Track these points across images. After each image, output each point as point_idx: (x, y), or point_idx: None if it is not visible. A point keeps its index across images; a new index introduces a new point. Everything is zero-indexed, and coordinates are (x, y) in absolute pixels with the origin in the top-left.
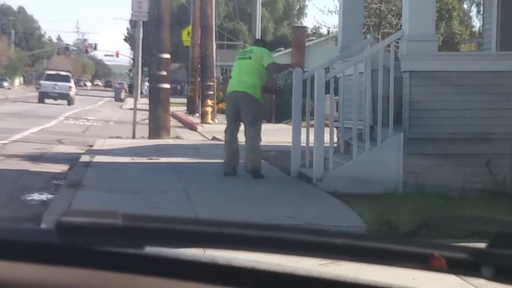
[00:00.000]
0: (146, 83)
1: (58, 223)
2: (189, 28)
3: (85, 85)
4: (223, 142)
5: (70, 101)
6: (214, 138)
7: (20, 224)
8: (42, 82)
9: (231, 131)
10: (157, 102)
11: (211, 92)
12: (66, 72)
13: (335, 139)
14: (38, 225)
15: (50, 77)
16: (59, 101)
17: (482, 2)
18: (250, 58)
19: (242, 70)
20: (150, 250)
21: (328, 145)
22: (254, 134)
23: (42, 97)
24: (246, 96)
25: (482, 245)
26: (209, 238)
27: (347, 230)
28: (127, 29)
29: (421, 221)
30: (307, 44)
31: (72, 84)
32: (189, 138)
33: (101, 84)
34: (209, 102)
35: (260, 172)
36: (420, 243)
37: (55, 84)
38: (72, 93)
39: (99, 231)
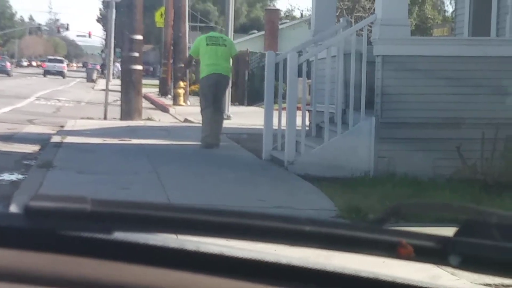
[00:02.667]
0: (118, 64)
1: (26, 207)
2: (162, 9)
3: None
4: (195, 124)
5: (63, 76)
6: (186, 120)
7: None
8: (46, 63)
9: (210, 107)
10: (129, 84)
11: (180, 74)
12: (61, 58)
13: (307, 123)
14: (7, 206)
15: (50, 61)
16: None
17: None
18: (225, 45)
19: (219, 56)
20: (119, 235)
21: (300, 128)
22: (223, 111)
23: (45, 73)
24: (226, 79)
25: (450, 231)
26: (178, 224)
27: (316, 217)
28: (100, 9)
29: (390, 208)
30: (280, 27)
31: (65, 65)
32: (161, 120)
33: (76, 66)
34: (182, 84)
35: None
36: (388, 231)
37: (54, 65)
38: (65, 71)
39: (68, 216)
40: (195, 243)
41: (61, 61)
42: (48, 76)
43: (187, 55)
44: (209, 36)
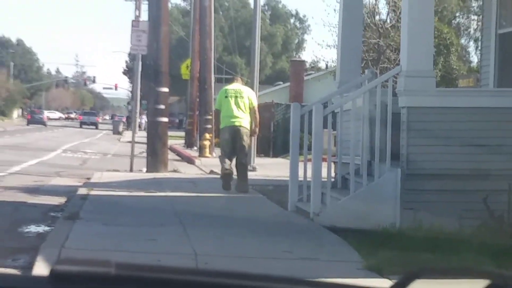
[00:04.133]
0: (144, 116)
1: (52, 271)
2: (188, 61)
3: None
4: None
5: (97, 127)
6: (211, 172)
7: (16, 256)
8: (82, 116)
9: (227, 157)
10: (155, 136)
11: (209, 126)
12: (94, 111)
13: (333, 174)
14: (34, 257)
15: (85, 114)
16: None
17: (480, 38)
18: (242, 97)
19: (237, 108)
20: None
21: (325, 180)
22: (246, 161)
23: (82, 124)
24: (242, 130)
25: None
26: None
27: (337, 281)
28: (126, 62)
29: (410, 272)
30: (305, 78)
31: (98, 117)
32: (186, 171)
33: (101, 118)
34: (207, 135)
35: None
36: None
37: (89, 117)
38: (98, 122)
39: (93, 279)
40: None
41: (94, 114)
42: (84, 126)
43: (213, 107)
44: (227, 89)
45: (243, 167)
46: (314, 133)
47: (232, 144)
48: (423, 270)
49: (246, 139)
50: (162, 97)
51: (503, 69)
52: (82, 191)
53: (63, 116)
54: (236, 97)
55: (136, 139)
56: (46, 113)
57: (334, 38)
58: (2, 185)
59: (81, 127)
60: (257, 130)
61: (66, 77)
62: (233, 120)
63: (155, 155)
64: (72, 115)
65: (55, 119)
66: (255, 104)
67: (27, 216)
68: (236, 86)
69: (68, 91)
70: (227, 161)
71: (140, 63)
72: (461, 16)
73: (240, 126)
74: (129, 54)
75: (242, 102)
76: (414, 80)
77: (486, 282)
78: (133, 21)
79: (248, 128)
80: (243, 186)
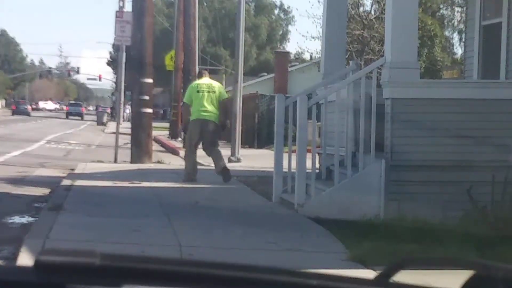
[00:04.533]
0: (128, 107)
1: (36, 262)
2: (172, 52)
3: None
4: (204, 167)
5: (82, 117)
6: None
7: (0, 247)
8: (69, 107)
9: (195, 148)
10: (139, 127)
11: None
12: (80, 102)
13: (317, 165)
14: (18, 248)
15: (71, 104)
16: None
17: (464, 29)
18: (214, 92)
19: (210, 102)
20: None
21: (310, 171)
22: (216, 147)
23: (68, 115)
24: (212, 124)
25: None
26: (185, 278)
27: (322, 272)
28: (110, 53)
29: (394, 263)
30: (290, 69)
31: (83, 107)
32: (171, 162)
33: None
34: None
35: (228, 172)
36: (391, 285)
37: (75, 108)
38: (83, 113)
39: (77, 270)
40: None
41: (80, 105)
42: (70, 117)
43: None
44: (198, 84)
45: (217, 153)
46: (298, 124)
47: (200, 136)
48: (408, 260)
49: (215, 133)
50: (146, 88)
51: (487, 61)
52: (66, 182)
53: (58, 107)
54: (208, 91)
55: (121, 130)
56: (42, 104)
57: (318, 29)
58: None
59: (67, 117)
60: (228, 123)
61: (50, 68)
62: (205, 114)
63: (140, 146)
64: (57, 106)
65: (50, 110)
66: (224, 96)
67: (11, 207)
68: (207, 80)
69: (52, 81)
70: (191, 161)
71: (124, 54)
72: (445, 8)
73: (211, 120)
74: (113, 45)
75: (214, 97)
76: (399, 71)
77: (470, 272)
78: (117, 11)
79: (218, 121)
80: (218, 169)
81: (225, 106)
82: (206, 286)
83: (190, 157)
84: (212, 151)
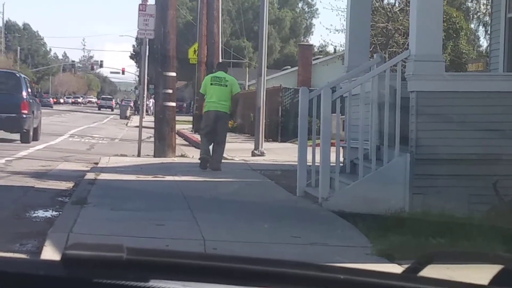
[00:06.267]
0: (152, 101)
1: (63, 256)
2: (196, 45)
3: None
4: (228, 161)
5: (112, 109)
6: None
7: (24, 241)
8: (100, 100)
9: (209, 137)
10: (163, 121)
11: None
12: (111, 96)
13: (341, 159)
14: (42, 242)
15: (103, 98)
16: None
17: (489, 22)
18: (226, 86)
19: (222, 94)
20: (155, 283)
21: (334, 164)
22: (225, 140)
23: (100, 107)
24: (224, 115)
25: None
26: (213, 273)
27: (349, 266)
28: (133, 46)
29: (423, 256)
30: (313, 62)
31: (113, 101)
32: (194, 156)
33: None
34: None
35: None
36: (421, 279)
37: (106, 102)
38: (113, 105)
39: (104, 264)
40: None
41: (110, 99)
42: (102, 109)
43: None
44: (213, 76)
45: (219, 149)
46: (322, 117)
47: (212, 127)
48: (437, 255)
49: (225, 124)
50: (169, 81)
51: None
52: (90, 175)
53: (93, 100)
54: (220, 84)
55: (144, 124)
56: (72, 99)
57: (342, 22)
58: (10, 170)
59: (99, 109)
60: (234, 114)
61: (73, 61)
62: (216, 105)
63: (163, 139)
64: (79, 100)
65: (80, 103)
66: (237, 91)
67: (35, 201)
68: (221, 74)
69: (75, 75)
70: (205, 147)
71: (147, 47)
72: (470, 0)
73: (222, 111)
74: (136, 39)
75: (225, 90)
76: (423, 64)
77: (498, 267)
78: (140, 4)
79: (228, 113)
80: (214, 164)
81: (234, 100)
82: (232, 281)
83: (201, 146)
84: (217, 143)
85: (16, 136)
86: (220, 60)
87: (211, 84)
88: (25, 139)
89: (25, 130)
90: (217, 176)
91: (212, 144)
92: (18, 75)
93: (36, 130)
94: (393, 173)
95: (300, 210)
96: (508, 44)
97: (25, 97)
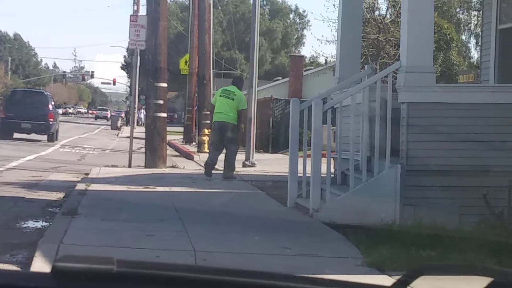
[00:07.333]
0: (143, 111)
1: (54, 268)
2: (187, 56)
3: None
4: (219, 172)
5: (107, 119)
6: None
7: (14, 252)
8: (97, 111)
9: (215, 146)
10: (154, 131)
11: (208, 121)
12: (106, 107)
13: (332, 170)
14: (32, 253)
15: (99, 109)
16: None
17: (480, 33)
18: (233, 99)
19: (227, 107)
20: None
21: (325, 175)
22: (234, 150)
23: (96, 117)
24: (229, 125)
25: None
26: (201, 285)
27: (339, 278)
28: (124, 57)
29: (413, 270)
30: (304, 73)
31: (108, 112)
32: (185, 167)
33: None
34: (206, 131)
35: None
36: None
37: (101, 112)
38: (108, 116)
39: (94, 277)
40: None
41: (106, 110)
42: (98, 119)
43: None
44: (224, 89)
45: (227, 158)
46: (313, 128)
47: (219, 137)
48: (427, 267)
49: (231, 134)
50: (160, 92)
51: (503, 65)
52: (80, 186)
53: (82, 110)
54: (228, 97)
55: (135, 135)
56: (63, 109)
57: (333, 33)
58: (0, 180)
59: (96, 119)
60: (242, 126)
61: (64, 72)
62: (221, 116)
63: (154, 150)
64: (70, 110)
65: (71, 114)
66: (243, 107)
67: (25, 211)
68: (232, 88)
69: (66, 86)
70: (210, 155)
71: (138, 58)
72: (461, 12)
73: (226, 121)
74: (128, 49)
75: (231, 103)
76: (414, 75)
77: (488, 279)
78: (131, 15)
79: (236, 123)
80: (224, 173)
81: (241, 114)
82: None
83: (209, 155)
84: (226, 153)
85: (42, 137)
86: (212, 72)
87: (220, 96)
88: (50, 139)
89: (51, 133)
90: (208, 186)
91: (221, 153)
92: (45, 93)
93: (57, 133)
94: (384, 184)
95: (291, 221)
96: (499, 55)
97: (51, 109)
